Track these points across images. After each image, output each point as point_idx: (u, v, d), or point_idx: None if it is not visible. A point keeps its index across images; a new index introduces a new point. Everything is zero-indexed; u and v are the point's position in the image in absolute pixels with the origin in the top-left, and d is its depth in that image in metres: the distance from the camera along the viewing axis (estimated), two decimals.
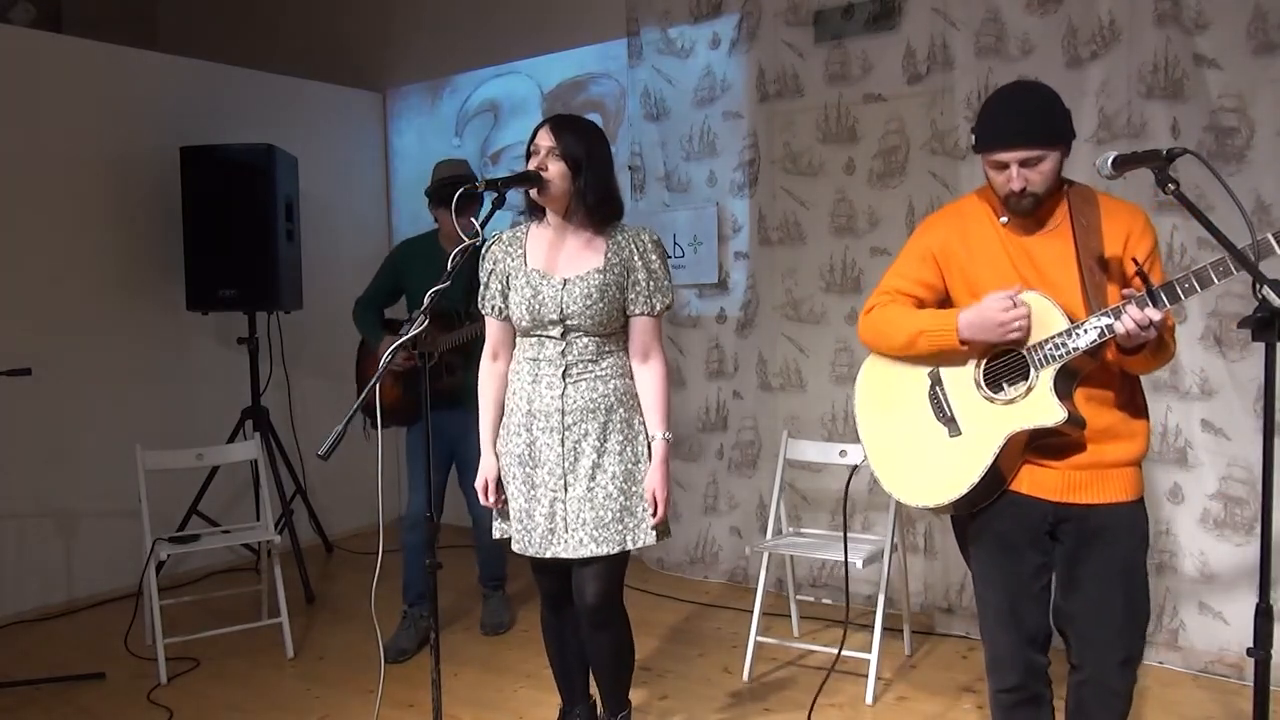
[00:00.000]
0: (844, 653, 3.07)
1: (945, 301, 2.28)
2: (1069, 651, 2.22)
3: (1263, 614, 1.85)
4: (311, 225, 4.97)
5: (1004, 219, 2.16)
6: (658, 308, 2.56)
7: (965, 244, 2.21)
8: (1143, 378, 2.21)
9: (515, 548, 2.58)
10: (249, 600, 4.22)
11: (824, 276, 4.20)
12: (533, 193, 2.50)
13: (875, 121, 4.04)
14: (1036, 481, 2.17)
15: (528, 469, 2.55)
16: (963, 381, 2.20)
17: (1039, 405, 2.08)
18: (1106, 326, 2.00)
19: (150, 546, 3.63)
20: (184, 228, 4.56)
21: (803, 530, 3.87)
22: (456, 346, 3.66)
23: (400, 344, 2.20)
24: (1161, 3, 3.33)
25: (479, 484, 2.65)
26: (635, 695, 2.78)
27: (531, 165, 2.47)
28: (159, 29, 6.78)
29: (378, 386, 2.16)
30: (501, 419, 2.64)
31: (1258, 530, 2.01)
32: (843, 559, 3.30)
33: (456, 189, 3.58)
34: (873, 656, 3.28)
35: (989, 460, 2.12)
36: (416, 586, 3.81)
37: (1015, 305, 2.07)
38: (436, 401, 3.44)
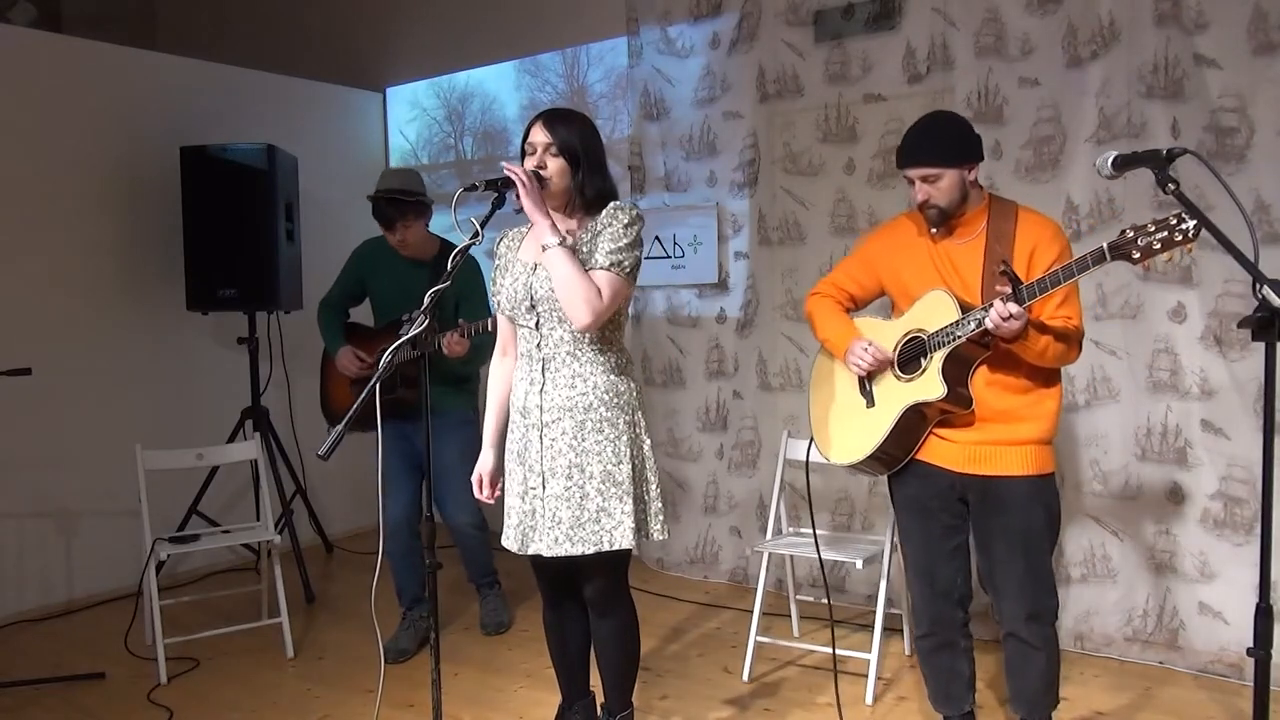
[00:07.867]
0: (842, 653, 3.06)
1: (879, 296, 2.74)
2: (992, 609, 2.58)
3: (1263, 614, 1.85)
4: (311, 225, 4.96)
5: (933, 230, 2.51)
6: (607, 263, 2.41)
7: (898, 252, 2.61)
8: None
9: (504, 542, 2.60)
10: (249, 600, 4.22)
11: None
12: None
13: (875, 121, 4.04)
14: (940, 453, 2.51)
15: (515, 465, 2.58)
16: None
17: (926, 383, 2.44)
18: (982, 318, 2.31)
19: (150, 546, 3.63)
20: (184, 228, 4.56)
21: (803, 530, 3.86)
22: (416, 357, 3.61)
23: (401, 343, 2.21)
24: (1161, 3, 3.33)
25: (474, 479, 2.67)
26: (635, 695, 2.78)
27: (530, 164, 2.47)
28: (159, 29, 6.78)
29: (377, 388, 2.17)
30: (503, 416, 2.67)
31: (1258, 530, 2.01)
32: (842, 559, 3.32)
33: (407, 200, 3.59)
34: (873, 656, 3.27)
35: (888, 428, 2.49)
36: (410, 591, 3.81)
37: (867, 352, 2.53)
38: (399, 412, 3.41)
